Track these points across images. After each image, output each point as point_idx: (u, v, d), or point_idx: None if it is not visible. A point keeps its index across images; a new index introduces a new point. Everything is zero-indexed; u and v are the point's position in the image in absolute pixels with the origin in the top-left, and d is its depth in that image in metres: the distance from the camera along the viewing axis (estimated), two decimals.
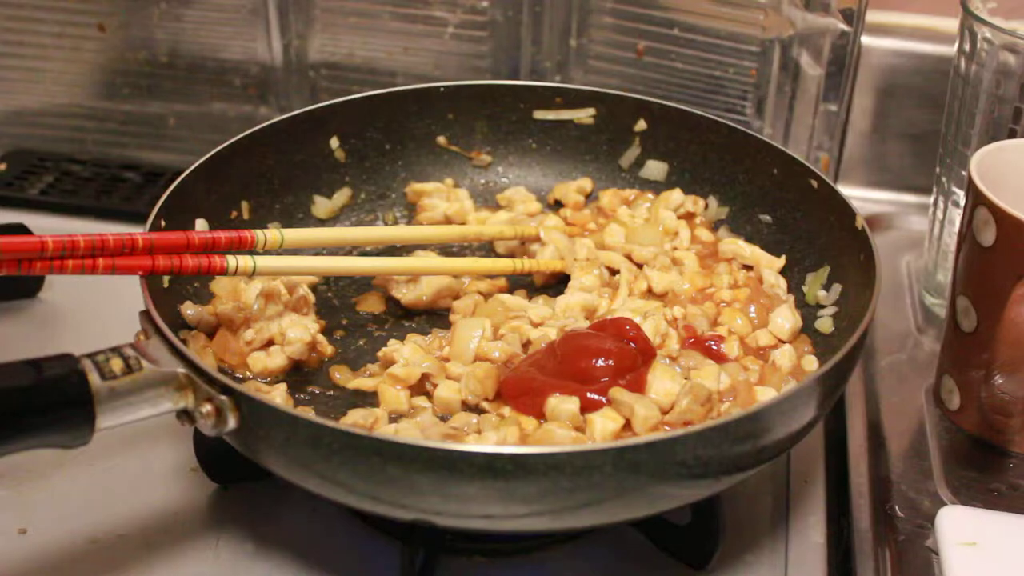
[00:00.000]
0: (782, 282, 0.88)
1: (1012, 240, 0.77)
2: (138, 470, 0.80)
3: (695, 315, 0.84)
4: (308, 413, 0.74)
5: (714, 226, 0.95)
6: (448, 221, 0.97)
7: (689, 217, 0.95)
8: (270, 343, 0.81)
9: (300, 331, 0.80)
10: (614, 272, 0.91)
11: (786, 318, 0.83)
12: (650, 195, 0.97)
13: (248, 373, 0.80)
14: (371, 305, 0.90)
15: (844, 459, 0.84)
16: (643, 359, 0.78)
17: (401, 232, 0.93)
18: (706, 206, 0.96)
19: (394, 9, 1.10)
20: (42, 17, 1.15)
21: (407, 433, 0.73)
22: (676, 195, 0.95)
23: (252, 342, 0.80)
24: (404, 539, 0.73)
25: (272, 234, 0.80)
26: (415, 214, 0.98)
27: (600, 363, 0.76)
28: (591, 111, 1.00)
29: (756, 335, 0.83)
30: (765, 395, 0.77)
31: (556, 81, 1.12)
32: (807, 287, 0.87)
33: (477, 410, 0.78)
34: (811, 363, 0.81)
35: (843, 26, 1.01)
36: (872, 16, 1.05)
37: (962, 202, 0.85)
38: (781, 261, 0.90)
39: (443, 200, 0.98)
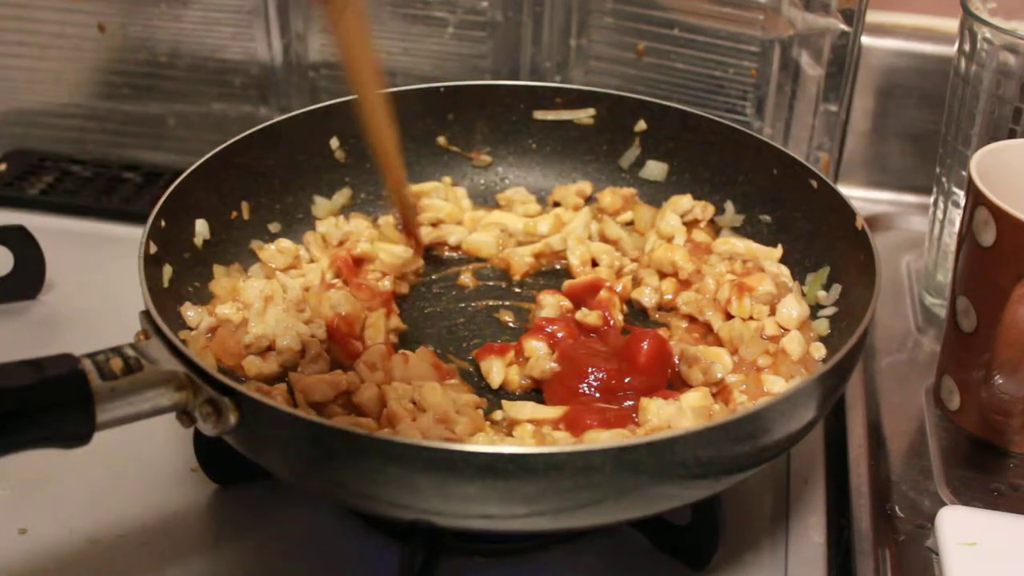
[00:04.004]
0: (785, 270, 0.88)
1: (1012, 240, 0.77)
2: (138, 470, 0.80)
3: (693, 300, 0.86)
4: (308, 413, 0.74)
5: (716, 231, 0.95)
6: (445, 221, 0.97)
7: (693, 223, 0.95)
8: (270, 348, 0.81)
9: (290, 340, 0.80)
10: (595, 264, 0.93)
11: (792, 307, 0.83)
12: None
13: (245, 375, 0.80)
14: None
15: (844, 459, 0.84)
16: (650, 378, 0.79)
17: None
18: (721, 211, 0.96)
19: (394, 9, 1.11)
20: (42, 17, 1.15)
21: (407, 433, 0.73)
22: (686, 201, 0.95)
23: (251, 346, 0.80)
24: (404, 539, 0.73)
25: None
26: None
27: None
28: (591, 111, 1.00)
29: (764, 323, 0.83)
30: (774, 384, 0.78)
31: (556, 81, 1.12)
32: (807, 287, 0.88)
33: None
34: (819, 350, 0.81)
35: (843, 26, 1.01)
36: (872, 16, 1.05)
37: (962, 202, 0.85)
38: (778, 251, 0.90)
39: (441, 199, 0.98)
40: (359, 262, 0.90)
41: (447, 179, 1.00)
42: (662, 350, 0.81)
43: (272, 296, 0.83)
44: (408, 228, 0.93)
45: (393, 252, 0.91)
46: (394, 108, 0.98)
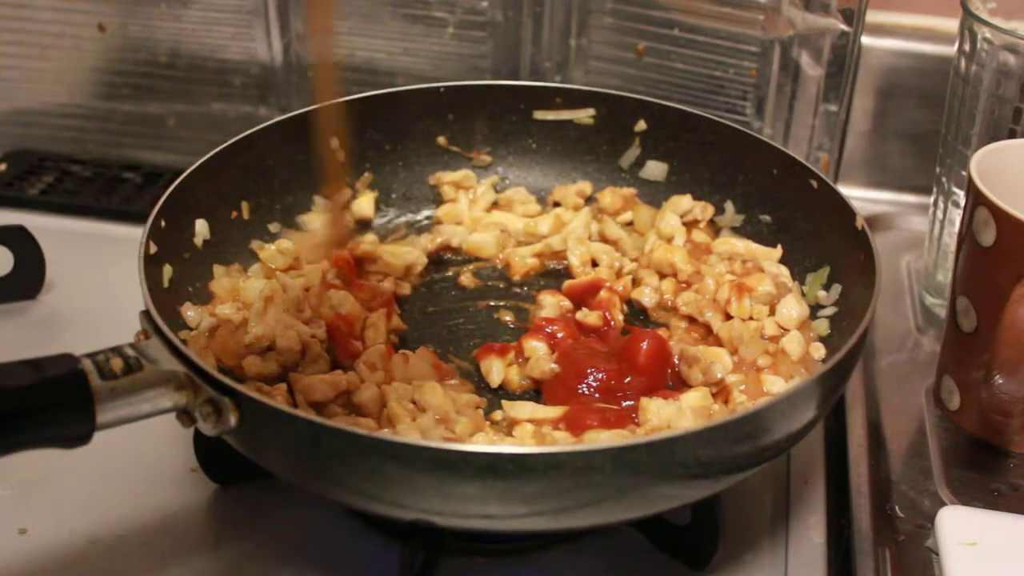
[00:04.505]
0: (784, 270, 0.88)
1: (1012, 240, 0.77)
2: (138, 470, 0.80)
3: (692, 300, 0.86)
4: (308, 413, 0.74)
5: (716, 232, 0.95)
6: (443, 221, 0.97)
7: (693, 224, 0.95)
8: (270, 348, 0.81)
9: (290, 340, 0.80)
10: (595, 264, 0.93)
11: (792, 307, 0.83)
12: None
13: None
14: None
15: (844, 459, 0.84)
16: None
17: None
18: (721, 211, 0.96)
19: (394, 9, 1.10)
20: (42, 17, 1.15)
21: (407, 433, 0.73)
22: (685, 201, 0.95)
23: (251, 345, 0.80)
24: (404, 539, 0.73)
25: None
26: (439, 204, 0.99)
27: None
28: (591, 111, 1.00)
29: (763, 323, 0.83)
30: (774, 384, 0.78)
31: (556, 81, 1.12)
32: (807, 287, 0.88)
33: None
34: (819, 350, 0.81)
35: (843, 26, 1.01)
36: (872, 16, 1.05)
37: (962, 202, 0.85)
38: (778, 251, 0.90)
39: (466, 195, 0.98)
40: (360, 262, 0.90)
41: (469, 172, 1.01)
42: (662, 350, 0.81)
43: (272, 296, 0.83)
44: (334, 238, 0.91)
45: (395, 253, 0.91)
46: (394, 108, 0.98)
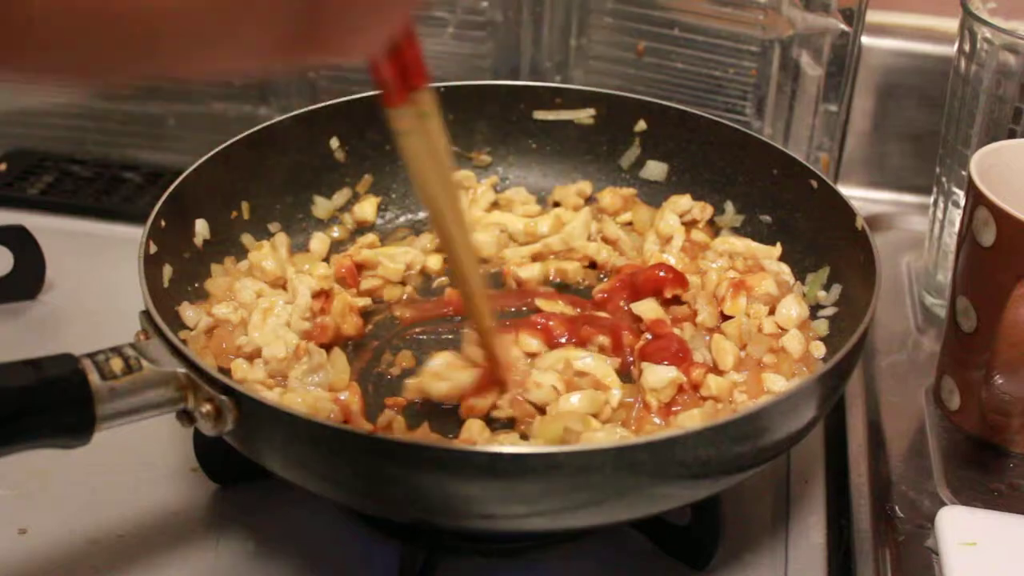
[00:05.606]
0: (785, 268, 0.88)
1: (1012, 240, 0.77)
2: (138, 470, 0.80)
3: (690, 296, 0.86)
4: (308, 412, 0.74)
5: (716, 232, 0.95)
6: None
7: (692, 224, 0.95)
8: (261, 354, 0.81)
9: (277, 349, 0.80)
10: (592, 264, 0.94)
11: (792, 307, 0.83)
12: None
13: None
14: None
15: (844, 459, 0.84)
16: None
17: None
18: (721, 211, 0.96)
19: None
20: None
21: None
22: (684, 201, 0.95)
23: (242, 348, 0.80)
24: (404, 539, 0.73)
25: None
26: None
27: None
28: (591, 111, 1.00)
29: (763, 322, 0.83)
30: (776, 383, 0.78)
31: (556, 81, 1.12)
32: (807, 287, 0.88)
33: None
34: (819, 348, 0.81)
35: (843, 26, 1.01)
36: (872, 16, 1.05)
37: (962, 202, 0.85)
38: (777, 249, 0.90)
39: (467, 195, 0.98)
40: (360, 268, 0.90)
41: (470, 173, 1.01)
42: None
43: (271, 308, 0.83)
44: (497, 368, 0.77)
45: (393, 256, 0.91)
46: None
